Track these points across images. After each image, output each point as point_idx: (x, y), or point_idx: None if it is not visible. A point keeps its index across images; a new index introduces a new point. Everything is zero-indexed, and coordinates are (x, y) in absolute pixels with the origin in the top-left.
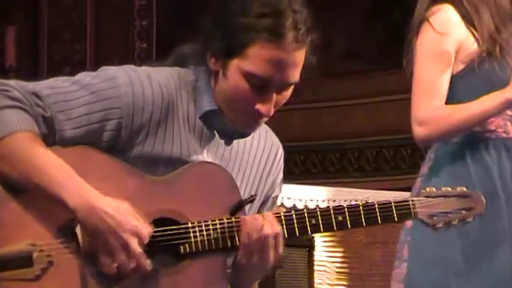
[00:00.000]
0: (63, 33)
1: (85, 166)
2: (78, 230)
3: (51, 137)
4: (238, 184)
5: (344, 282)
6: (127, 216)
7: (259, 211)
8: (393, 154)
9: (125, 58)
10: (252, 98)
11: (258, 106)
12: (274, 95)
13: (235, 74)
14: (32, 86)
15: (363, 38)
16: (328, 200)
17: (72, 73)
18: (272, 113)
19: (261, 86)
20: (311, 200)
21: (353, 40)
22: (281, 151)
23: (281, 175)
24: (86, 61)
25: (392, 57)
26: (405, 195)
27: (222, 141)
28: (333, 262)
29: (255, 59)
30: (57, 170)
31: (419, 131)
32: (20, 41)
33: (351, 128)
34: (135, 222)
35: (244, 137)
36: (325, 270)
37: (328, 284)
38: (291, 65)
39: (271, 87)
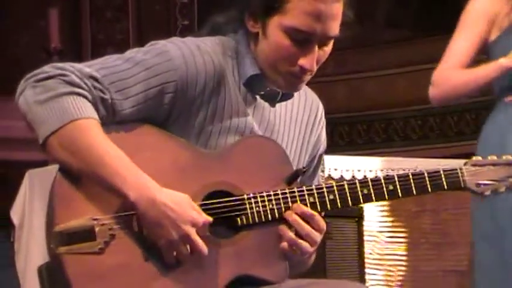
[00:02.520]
0: (105, 13)
1: (139, 142)
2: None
3: (110, 117)
4: (284, 145)
5: (394, 252)
6: (186, 208)
7: (310, 166)
8: (439, 122)
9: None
10: (294, 54)
11: (301, 61)
12: (317, 49)
13: (276, 31)
14: (88, 68)
15: (405, 6)
16: (376, 170)
17: (116, 52)
18: (315, 68)
19: (303, 41)
20: (358, 171)
21: (395, 9)
22: (322, 108)
23: (324, 132)
24: (129, 40)
25: (434, 24)
26: (453, 162)
27: (266, 104)
28: (382, 232)
29: (295, 12)
30: (117, 161)
31: (429, 91)
32: (63, 23)
33: (396, 97)
34: (193, 213)
35: (288, 99)
36: (374, 240)
37: (378, 254)
38: (330, 17)
39: (313, 41)
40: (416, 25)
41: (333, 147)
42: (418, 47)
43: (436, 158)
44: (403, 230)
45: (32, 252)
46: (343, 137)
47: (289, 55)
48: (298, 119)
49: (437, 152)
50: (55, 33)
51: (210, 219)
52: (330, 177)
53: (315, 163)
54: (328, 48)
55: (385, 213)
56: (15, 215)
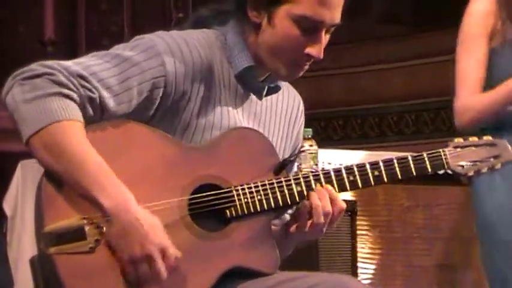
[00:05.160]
0: (100, 4)
1: (126, 140)
2: None
3: (97, 115)
4: (270, 137)
5: (387, 246)
6: (159, 233)
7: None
8: (433, 117)
9: (161, 28)
10: (302, 42)
11: (309, 50)
12: (324, 37)
13: (284, 20)
14: (75, 66)
15: (401, 1)
16: None
17: (111, 44)
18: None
19: (311, 29)
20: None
21: (391, 3)
22: (302, 103)
23: (303, 126)
24: (123, 32)
25: (431, 20)
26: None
27: (254, 97)
28: (375, 226)
29: (304, 1)
30: (95, 168)
31: (456, 122)
32: (58, 14)
33: (390, 92)
34: (164, 240)
35: (275, 92)
36: (367, 235)
37: (371, 248)
38: (337, 5)
39: (321, 29)
40: (411, 20)
41: (327, 141)
42: (413, 42)
43: None
44: (395, 224)
45: (24, 243)
46: (338, 131)
47: (297, 44)
48: (282, 112)
49: (431, 146)
50: (50, 24)
51: (179, 254)
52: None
53: (295, 154)
54: (328, 37)
55: (378, 208)
56: (7, 206)
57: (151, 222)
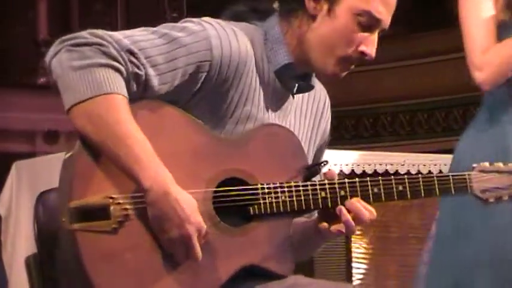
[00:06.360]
0: (93, 5)
1: (159, 123)
2: None
3: (140, 92)
4: (297, 133)
5: (382, 247)
6: (194, 211)
7: (317, 156)
8: (427, 117)
9: None
10: (357, 39)
11: (363, 48)
12: (376, 37)
13: (345, 13)
14: (125, 40)
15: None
16: (364, 164)
17: None
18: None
19: (368, 27)
20: (346, 165)
21: None
22: (328, 98)
23: (329, 122)
24: None
25: (423, 21)
26: (440, 157)
27: (288, 94)
28: (370, 226)
29: None
30: (138, 145)
31: (476, 78)
32: (52, 15)
33: (384, 92)
34: (200, 219)
35: (308, 91)
36: (362, 235)
37: (365, 248)
38: (392, 8)
39: (377, 29)
40: (405, 21)
41: None
42: (407, 42)
43: (424, 153)
44: (391, 224)
45: (18, 244)
46: (332, 132)
47: (353, 39)
48: (308, 109)
49: (425, 147)
50: (44, 24)
51: (209, 230)
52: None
53: (322, 153)
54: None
55: (373, 208)
56: (1, 206)
57: (188, 201)
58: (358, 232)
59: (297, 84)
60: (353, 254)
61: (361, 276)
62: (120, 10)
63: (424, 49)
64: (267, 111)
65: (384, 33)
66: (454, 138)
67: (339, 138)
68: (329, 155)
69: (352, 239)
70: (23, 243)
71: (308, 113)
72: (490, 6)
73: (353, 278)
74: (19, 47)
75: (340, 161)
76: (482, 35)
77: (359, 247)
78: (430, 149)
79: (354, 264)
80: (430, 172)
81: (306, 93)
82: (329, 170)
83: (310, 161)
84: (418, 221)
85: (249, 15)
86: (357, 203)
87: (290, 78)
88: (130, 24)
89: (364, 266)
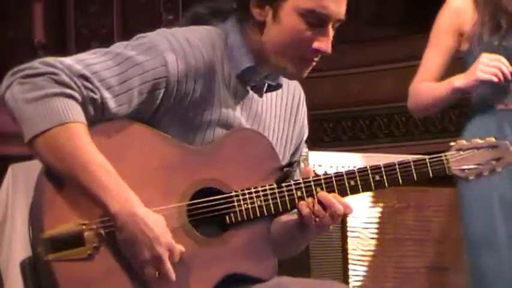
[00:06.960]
0: (89, 7)
1: (126, 141)
2: None
3: (98, 116)
4: (271, 137)
5: (377, 248)
6: (163, 231)
7: (294, 154)
8: (423, 119)
9: (151, 30)
10: (309, 37)
11: (317, 44)
12: (331, 31)
13: (290, 15)
14: (77, 65)
15: (390, 2)
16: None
17: (100, 47)
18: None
19: (318, 24)
20: (342, 167)
21: (380, 5)
22: (302, 93)
23: (306, 117)
24: (113, 34)
25: (420, 22)
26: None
27: (255, 95)
28: (365, 228)
29: None
30: (100, 171)
31: (407, 103)
32: (47, 17)
33: (380, 94)
34: (171, 241)
35: (276, 90)
36: (358, 236)
37: (362, 250)
38: (342, 0)
39: (328, 23)
40: (401, 23)
41: (318, 144)
42: (402, 44)
43: (420, 155)
44: (386, 226)
45: (14, 247)
46: (328, 134)
47: (304, 39)
48: (282, 108)
49: (421, 148)
50: (39, 27)
51: (183, 249)
52: (314, 172)
53: (301, 149)
54: (333, 32)
55: (369, 209)
56: None
57: (156, 221)
58: (353, 234)
59: (266, 84)
60: (349, 256)
61: (357, 278)
62: (116, 12)
63: (420, 51)
64: (236, 114)
65: (380, 35)
66: (450, 140)
67: (336, 139)
68: (326, 157)
69: (349, 241)
70: (18, 247)
71: (283, 111)
72: (452, 39)
73: (349, 280)
74: (14, 49)
75: (337, 163)
76: (429, 67)
77: (355, 249)
78: (426, 150)
79: (350, 266)
80: None
81: (279, 91)
82: (304, 168)
83: (288, 159)
84: (414, 222)
85: (209, 17)
86: (329, 195)
87: (256, 80)
88: (126, 26)
89: (361, 268)
